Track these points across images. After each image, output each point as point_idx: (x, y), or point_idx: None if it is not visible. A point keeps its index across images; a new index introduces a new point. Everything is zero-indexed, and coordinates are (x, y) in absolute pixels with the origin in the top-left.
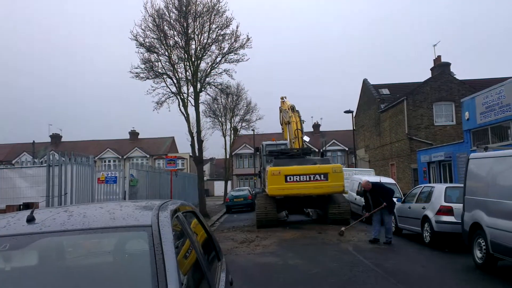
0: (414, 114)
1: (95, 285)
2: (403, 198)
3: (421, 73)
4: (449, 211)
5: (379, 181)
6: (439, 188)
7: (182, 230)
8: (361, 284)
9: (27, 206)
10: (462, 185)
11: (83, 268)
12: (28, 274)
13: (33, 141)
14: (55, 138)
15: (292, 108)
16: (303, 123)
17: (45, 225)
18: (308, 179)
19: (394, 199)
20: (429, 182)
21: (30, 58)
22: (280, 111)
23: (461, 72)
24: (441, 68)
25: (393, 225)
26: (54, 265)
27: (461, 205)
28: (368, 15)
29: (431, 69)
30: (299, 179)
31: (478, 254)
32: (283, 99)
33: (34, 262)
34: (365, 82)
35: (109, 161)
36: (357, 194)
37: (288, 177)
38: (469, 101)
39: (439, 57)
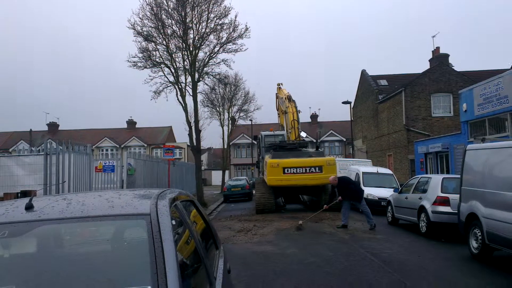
0: (412, 105)
1: (94, 272)
2: (400, 188)
3: (420, 65)
4: (445, 202)
5: (376, 171)
6: (436, 179)
7: (180, 218)
8: (357, 273)
9: (24, 194)
10: (458, 176)
11: (82, 256)
12: (27, 261)
13: (30, 129)
14: (52, 126)
15: (289, 98)
16: (299, 113)
17: (44, 212)
18: (304, 171)
19: (391, 190)
20: (426, 173)
21: (25, 45)
22: (277, 98)
23: (460, 63)
24: (439, 59)
25: (390, 215)
26: (53, 253)
27: (458, 195)
28: (369, 6)
29: (430, 61)
30: (296, 171)
31: (474, 244)
32: (279, 85)
33: (33, 249)
34: (363, 73)
35: (107, 150)
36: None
37: (286, 169)
38: (467, 92)
39: (437, 48)
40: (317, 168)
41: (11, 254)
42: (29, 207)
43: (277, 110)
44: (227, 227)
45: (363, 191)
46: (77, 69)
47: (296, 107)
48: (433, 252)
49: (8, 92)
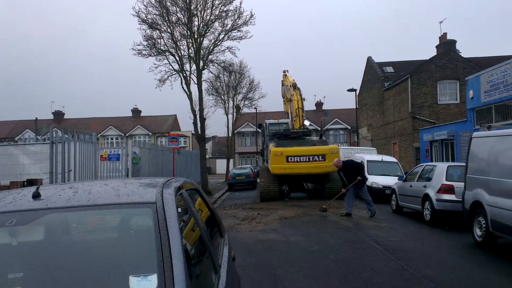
0: (418, 93)
1: (101, 260)
2: (405, 176)
3: (427, 51)
4: (450, 190)
5: (381, 160)
6: (441, 167)
7: (185, 207)
8: (361, 261)
9: (31, 182)
10: (464, 164)
11: (88, 244)
12: (35, 249)
13: (36, 118)
14: (58, 115)
15: (294, 86)
16: (304, 100)
17: (51, 201)
18: (307, 159)
19: (395, 178)
20: (431, 161)
21: (32, 35)
22: (282, 85)
23: (467, 49)
24: (446, 45)
25: (394, 203)
26: (60, 241)
27: (462, 183)
28: None
29: (437, 47)
30: (300, 159)
31: (478, 232)
32: (285, 72)
33: (40, 237)
34: (369, 60)
35: (112, 139)
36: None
37: (289, 158)
38: (473, 79)
39: (444, 34)
40: (320, 157)
41: (19, 242)
42: (36, 196)
43: (283, 98)
44: (232, 216)
45: (366, 178)
46: (82, 57)
47: (301, 95)
48: (437, 240)
49: (13, 81)
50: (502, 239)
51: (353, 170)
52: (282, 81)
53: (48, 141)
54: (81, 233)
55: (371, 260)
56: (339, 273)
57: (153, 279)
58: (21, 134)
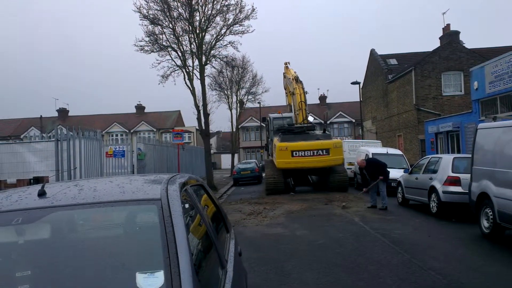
0: (422, 84)
1: (108, 257)
2: (410, 169)
3: (430, 43)
4: (456, 182)
5: (386, 152)
6: (447, 159)
7: (191, 203)
8: (367, 254)
9: (37, 180)
10: (469, 155)
11: (95, 241)
12: (41, 247)
13: (41, 115)
14: (62, 112)
15: (296, 79)
16: (306, 94)
17: (57, 199)
18: (312, 154)
19: (401, 170)
20: (437, 153)
21: (35, 33)
22: (284, 77)
23: (471, 40)
24: (450, 37)
25: (400, 196)
26: (66, 238)
27: (469, 175)
28: None
29: (440, 38)
30: (304, 154)
31: (485, 223)
32: (286, 64)
33: (46, 235)
34: (372, 52)
35: (116, 135)
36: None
37: (294, 152)
38: (478, 70)
39: (448, 25)
40: (324, 151)
41: (25, 240)
42: (41, 194)
43: (285, 90)
44: (237, 210)
45: (389, 172)
46: (86, 55)
47: (303, 88)
48: (444, 232)
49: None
50: (509, 230)
51: (376, 169)
52: (284, 73)
53: (53, 139)
54: (87, 231)
55: (377, 253)
56: (346, 266)
57: (160, 275)
58: (26, 132)
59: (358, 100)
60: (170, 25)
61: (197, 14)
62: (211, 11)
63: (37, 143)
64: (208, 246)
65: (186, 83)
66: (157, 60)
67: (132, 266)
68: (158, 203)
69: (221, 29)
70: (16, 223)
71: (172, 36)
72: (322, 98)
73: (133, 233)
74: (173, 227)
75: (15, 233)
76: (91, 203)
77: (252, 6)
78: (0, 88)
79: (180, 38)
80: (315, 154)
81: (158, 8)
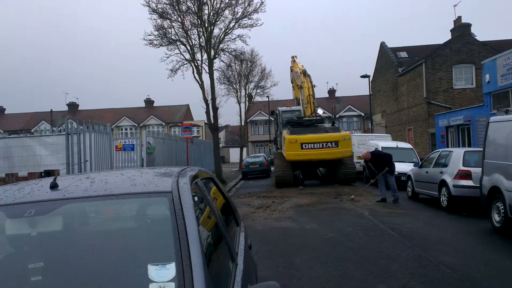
0: (432, 78)
1: (120, 249)
2: (420, 163)
3: (441, 35)
4: (467, 175)
5: (395, 146)
6: (458, 152)
7: (201, 196)
8: (377, 248)
9: (48, 173)
10: (481, 149)
11: (106, 233)
12: (54, 239)
13: (51, 109)
14: (72, 106)
15: (304, 73)
16: (315, 87)
17: (69, 191)
18: (321, 146)
19: (411, 164)
20: (447, 147)
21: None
22: (291, 71)
23: (483, 33)
24: (461, 29)
25: (410, 190)
26: (79, 230)
27: (479, 169)
28: None
29: (451, 31)
30: (313, 146)
31: (496, 218)
32: (293, 58)
33: (59, 227)
34: (382, 45)
35: (126, 129)
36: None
37: (303, 145)
38: (490, 63)
39: (459, 17)
40: (333, 143)
41: (38, 232)
42: (53, 186)
43: (292, 83)
44: (247, 204)
45: (394, 165)
46: (95, 49)
47: (311, 82)
48: (454, 226)
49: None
50: None
51: (381, 160)
52: (291, 67)
53: (64, 133)
54: (99, 223)
55: (387, 247)
56: (356, 260)
57: (172, 267)
58: (36, 126)
59: (368, 93)
60: (179, 19)
61: (206, 7)
62: (220, 5)
63: (47, 136)
64: (218, 238)
65: (194, 77)
66: (166, 54)
67: (144, 258)
68: (169, 195)
69: (229, 22)
70: (28, 215)
71: (180, 30)
72: (331, 92)
73: (144, 225)
74: (184, 220)
75: (28, 225)
76: (102, 196)
77: None
78: (12, 83)
79: (188, 32)
80: (324, 146)
81: (167, 2)
